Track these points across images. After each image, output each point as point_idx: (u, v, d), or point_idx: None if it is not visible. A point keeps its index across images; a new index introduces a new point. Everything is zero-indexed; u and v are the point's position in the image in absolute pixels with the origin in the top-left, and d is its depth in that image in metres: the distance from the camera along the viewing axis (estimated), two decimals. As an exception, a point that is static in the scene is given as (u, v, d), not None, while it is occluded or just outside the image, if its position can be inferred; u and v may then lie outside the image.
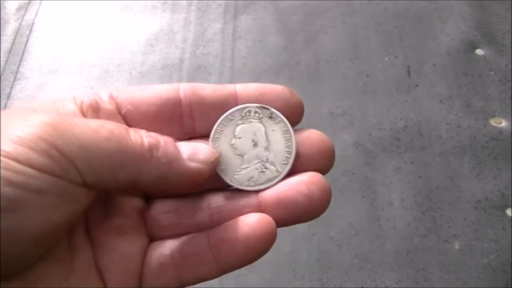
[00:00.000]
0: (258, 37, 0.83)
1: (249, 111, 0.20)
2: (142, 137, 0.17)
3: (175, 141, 0.18)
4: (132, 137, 0.17)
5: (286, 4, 0.87)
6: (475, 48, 0.80)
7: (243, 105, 0.20)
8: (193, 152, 0.18)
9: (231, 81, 0.79)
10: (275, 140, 0.20)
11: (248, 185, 0.19)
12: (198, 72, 0.80)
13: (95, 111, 0.18)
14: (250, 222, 0.18)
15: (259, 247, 0.18)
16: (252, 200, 0.19)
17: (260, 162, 0.20)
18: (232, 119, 0.20)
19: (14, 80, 0.80)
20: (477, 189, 0.66)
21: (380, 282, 0.60)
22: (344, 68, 0.78)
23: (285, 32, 0.83)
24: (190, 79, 0.79)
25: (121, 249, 0.19)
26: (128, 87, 0.20)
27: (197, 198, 0.20)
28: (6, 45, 0.84)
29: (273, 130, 0.20)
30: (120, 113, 0.19)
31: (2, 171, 0.14)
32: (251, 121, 0.20)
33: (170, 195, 0.20)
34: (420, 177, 0.68)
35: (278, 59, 0.80)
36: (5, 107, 0.77)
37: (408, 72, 0.78)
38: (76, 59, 0.82)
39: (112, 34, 0.85)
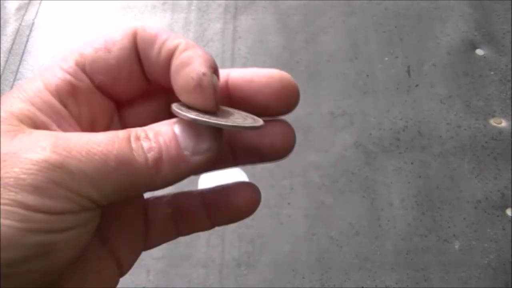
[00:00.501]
0: (258, 37, 0.83)
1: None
2: (144, 152, 0.17)
3: (174, 127, 0.18)
4: (136, 156, 0.17)
5: (286, 4, 0.87)
6: (475, 48, 0.80)
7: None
8: (197, 143, 0.18)
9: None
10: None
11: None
12: (198, 72, 0.80)
13: (74, 96, 0.18)
14: (238, 189, 0.20)
15: (246, 211, 0.20)
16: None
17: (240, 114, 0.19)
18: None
19: (14, 80, 0.80)
20: (477, 189, 0.66)
21: (380, 282, 0.60)
22: (344, 68, 0.78)
23: (285, 32, 0.83)
24: (190, 79, 0.79)
25: (124, 218, 0.20)
26: (90, 44, 0.19)
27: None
28: (6, 45, 0.84)
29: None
30: (94, 85, 0.19)
31: (26, 224, 0.14)
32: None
33: None
34: (420, 177, 0.68)
35: (278, 59, 0.80)
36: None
37: (408, 72, 0.78)
38: (76, 59, 0.82)
39: (112, 34, 0.85)
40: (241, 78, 0.20)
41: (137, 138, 0.17)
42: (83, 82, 0.18)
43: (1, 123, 0.16)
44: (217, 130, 0.18)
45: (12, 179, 0.15)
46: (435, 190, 0.67)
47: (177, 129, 0.17)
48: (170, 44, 0.18)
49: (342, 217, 0.65)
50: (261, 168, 0.70)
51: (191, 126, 0.18)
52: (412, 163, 0.69)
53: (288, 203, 0.66)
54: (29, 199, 0.14)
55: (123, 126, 0.20)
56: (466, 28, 0.82)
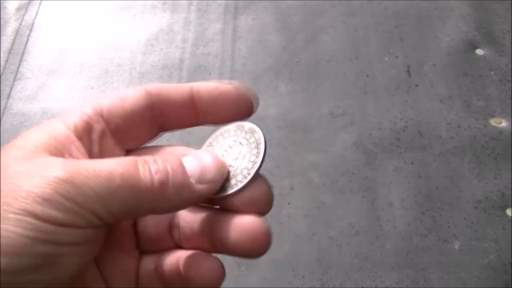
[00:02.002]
0: (258, 37, 0.83)
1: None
2: (151, 174, 0.18)
3: (182, 158, 0.19)
4: (142, 176, 0.18)
5: (286, 4, 0.87)
6: (475, 48, 0.80)
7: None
8: (201, 173, 0.19)
9: (231, 81, 0.79)
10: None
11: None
12: (198, 72, 0.80)
13: (89, 133, 0.20)
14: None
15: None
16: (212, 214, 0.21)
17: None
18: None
19: (14, 80, 0.80)
20: (477, 189, 0.66)
21: (380, 282, 0.60)
22: (344, 68, 0.78)
23: (285, 32, 0.83)
24: (190, 79, 0.79)
25: (121, 263, 0.20)
26: (106, 96, 0.21)
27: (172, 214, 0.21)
28: (6, 45, 0.84)
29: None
30: (109, 129, 0.20)
31: (35, 233, 0.15)
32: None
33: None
34: (420, 177, 0.68)
35: (278, 59, 0.80)
36: (5, 107, 0.77)
37: (408, 72, 0.78)
38: (76, 59, 0.82)
39: (112, 34, 0.85)
40: (207, 89, 0.21)
41: (145, 162, 0.18)
42: (99, 123, 0.20)
43: (20, 150, 0.18)
44: (222, 165, 0.20)
45: (24, 192, 0.16)
46: (435, 190, 0.67)
47: (184, 159, 0.19)
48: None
49: (342, 217, 0.65)
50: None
51: (197, 157, 0.19)
52: (412, 163, 0.69)
53: (288, 203, 0.66)
54: (39, 209, 0.15)
55: None
56: (466, 28, 0.82)
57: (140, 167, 0.18)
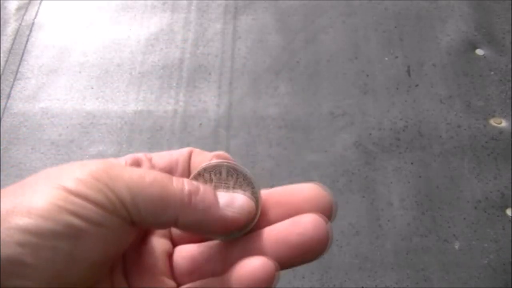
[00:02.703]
0: (258, 37, 0.83)
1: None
2: (183, 184, 0.19)
3: (215, 191, 0.20)
4: (175, 184, 0.19)
5: (286, 4, 0.87)
6: (475, 48, 0.80)
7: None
8: (230, 201, 0.20)
9: (231, 81, 0.79)
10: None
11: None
12: (198, 72, 0.80)
13: (137, 165, 0.22)
14: (254, 265, 0.20)
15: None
16: (257, 242, 0.21)
17: None
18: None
19: (14, 80, 0.80)
20: (477, 189, 0.66)
21: (380, 282, 0.60)
22: (344, 68, 0.78)
23: (285, 32, 0.83)
24: (190, 79, 0.79)
25: (146, 260, 0.21)
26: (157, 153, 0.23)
27: (212, 246, 0.22)
28: (6, 45, 0.84)
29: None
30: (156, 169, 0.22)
31: (63, 203, 0.17)
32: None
33: (196, 241, 0.22)
34: (420, 177, 0.68)
35: (278, 59, 0.80)
36: (5, 107, 0.77)
37: (408, 72, 0.78)
38: (76, 59, 0.82)
39: (112, 34, 0.85)
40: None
41: (180, 178, 0.20)
42: (147, 163, 0.22)
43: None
44: (251, 203, 0.21)
45: (64, 175, 0.18)
46: (435, 190, 0.67)
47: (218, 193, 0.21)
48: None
49: (342, 217, 0.65)
50: (261, 168, 0.70)
51: (228, 193, 0.21)
52: (412, 163, 0.69)
53: (288, 203, 0.66)
54: (71, 184, 0.17)
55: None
56: (466, 28, 0.82)
57: (175, 180, 0.19)
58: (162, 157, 0.22)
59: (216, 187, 0.21)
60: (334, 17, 0.85)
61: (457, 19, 0.83)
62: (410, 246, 0.63)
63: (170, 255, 0.22)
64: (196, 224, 0.19)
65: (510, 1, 0.84)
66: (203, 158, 0.22)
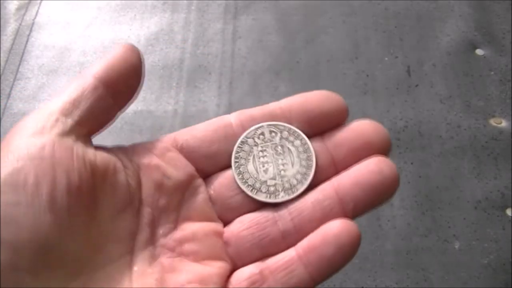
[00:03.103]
0: (258, 37, 0.83)
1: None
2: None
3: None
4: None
5: (286, 4, 0.87)
6: (475, 48, 0.80)
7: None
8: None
9: (231, 81, 0.79)
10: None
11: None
12: (198, 72, 0.80)
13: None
14: (335, 228, 0.18)
15: (348, 250, 0.18)
16: (329, 192, 0.19)
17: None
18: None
19: (14, 80, 0.80)
20: (477, 189, 0.66)
21: (380, 282, 0.60)
22: (344, 68, 0.78)
23: (285, 32, 0.83)
24: (190, 79, 0.79)
25: (197, 272, 0.19)
26: (185, 128, 0.22)
27: (272, 208, 0.20)
28: (6, 45, 0.84)
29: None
30: (176, 147, 0.21)
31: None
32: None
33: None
34: (420, 177, 0.68)
35: (278, 59, 0.80)
36: (5, 107, 0.77)
37: (408, 72, 0.78)
38: (76, 59, 0.82)
39: (112, 34, 0.85)
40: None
41: None
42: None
43: None
44: None
45: None
46: (435, 190, 0.67)
47: None
48: None
49: (342, 217, 0.65)
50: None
51: None
52: (412, 163, 0.69)
53: (288, 203, 0.66)
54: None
55: None
56: (466, 28, 0.82)
57: None
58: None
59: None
60: (334, 17, 0.85)
61: (457, 19, 0.83)
62: (410, 246, 0.63)
63: (219, 235, 0.20)
64: (119, 73, 0.21)
65: (510, 1, 0.84)
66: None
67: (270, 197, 0.20)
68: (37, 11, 0.89)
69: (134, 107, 0.77)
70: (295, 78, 0.78)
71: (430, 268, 0.61)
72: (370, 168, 0.19)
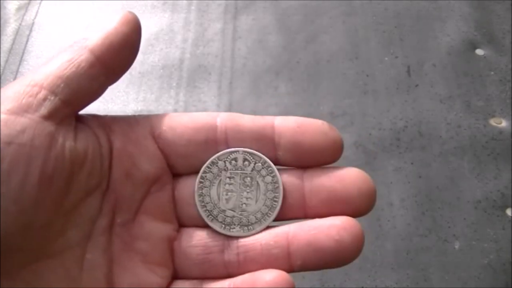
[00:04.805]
0: (258, 37, 0.83)
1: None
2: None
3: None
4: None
5: (286, 4, 0.87)
6: (475, 48, 0.80)
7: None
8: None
9: (231, 81, 0.79)
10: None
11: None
12: (198, 72, 0.80)
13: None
14: (267, 280, 0.18)
15: None
16: (281, 241, 0.19)
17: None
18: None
19: (14, 80, 0.80)
20: (477, 189, 0.66)
21: (380, 282, 0.60)
22: (344, 68, 0.78)
23: (285, 32, 0.83)
24: (190, 79, 0.79)
25: (141, 277, 0.19)
26: (168, 113, 0.20)
27: (226, 235, 0.20)
28: (6, 45, 0.84)
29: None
30: (153, 134, 0.20)
31: None
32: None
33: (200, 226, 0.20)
34: (420, 177, 0.68)
35: (278, 59, 0.80)
36: (5, 107, 0.77)
37: (408, 72, 0.78)
38: (76, 59, 0.82)
39: (112, 34, 0.85)
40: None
41: None
42: None
43: None
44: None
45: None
46: (435, 190, 0.67)
47: None
48: None
49: (342, 217, 0.65)
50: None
51: None
52: (412, 163, 0.69)
53: (288, 203, 0.66)
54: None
55: None
56: (466, 28, 0.82)
57: None
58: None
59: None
60: (334, 17, 0.85)
61: (457, 19, 0.83)
62: (410, 246, 0.63)
63: (170, 241, 0.20)
64: (110, 44, 0.20)
65: (510, 1, 0.84)
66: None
67: (224, 229, 0.19)
68: (37, 11, 0.89)
69: (134, 107, 0.77)
70: (295, 78, 0.78)
71: (430, 268, 0.61)
72: (331, 233, 0.18)
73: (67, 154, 0.17)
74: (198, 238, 0.20)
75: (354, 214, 0.19)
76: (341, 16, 0.85)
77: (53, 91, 0.17)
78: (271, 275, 0.18)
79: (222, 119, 0.20)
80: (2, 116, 0.16)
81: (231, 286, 0.18)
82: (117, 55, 0.18)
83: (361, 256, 0.66)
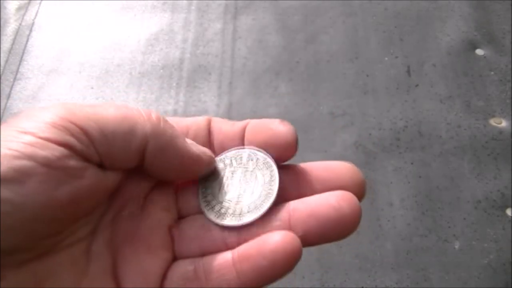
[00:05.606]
0: (258, 37, 0.83)
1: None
2: (151, 112, 0.19)
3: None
4: (142, 112, 0.18)
5: (286, 4, 0.87)
6: (475, 48, 0.80)
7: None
8: (195, 142, 0.20)
9: (231, 81, 0.79)
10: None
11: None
12: (198, 72, 0.80)
13: None
14: (275, 239, 0.18)
15: (283, 264, 0.18)
16: (282, 214, 0.19)
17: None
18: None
19: (14, 80, 0.80)
20: (477, 189, 0.66)
21: (380, 282, 0.60)
22: (344, 68, 0.78)
23: (285, 32, 0.83)
24: (190, 79, 0.79)
25: (143, 263, 0.19)
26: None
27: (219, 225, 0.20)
28: (6, 45, 0.84)
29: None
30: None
31: (14, 144, 0.15)
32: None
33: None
34: (420, 177, 0.68)
35: (278, 59, 0.80)
36: (5, 107, 0.77)
37: (408, 72, 0.78)
38: (76, 59, 0.82)
39: (112, 34, 0.85)
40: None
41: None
42: None
43: None
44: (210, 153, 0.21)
45: (25, 120, 0.17)
46: (435, 190, 0.67)
47: None
48: None
49: (342, 217, 0.65)
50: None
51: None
52: (412, 163, 0.69)
53: (288, 203, 0.66)
54: (23, 123, 0.16)
55: None
56: (466, 28, 0.82)
57: (142, 111, 0.19)
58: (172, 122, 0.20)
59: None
60: (334, 17, 0.85)
61: (457, 19, 0.83)
62: (410, 246, 0.63)
63: (170, 228, 0.20)
64: (162, 152, 0.18)
65: (510, 1, 0.84)
66: (229, 127, 0.21)
67: (218, 218, 0.20)
68: (37, 11, 0.89)
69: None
70: (295, 78, 0.78)
71: (430, 268, 0.61)
72: (330, 202, 0.18)
73: (97, 183, 0.18)
74: (197, 221, 0.20)
75: None
76: (341, 16, 0.85)
77: (95, 146, 0.17)
78: (275, 237, 0.18)
79: (214, 128, 0.22)
80: (42, 141, 0.16)
81: (235, 255, 0.18)
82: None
83: (361, 256, 0.67)
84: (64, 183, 0.16)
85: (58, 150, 0.16)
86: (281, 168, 0.20)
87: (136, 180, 0.20)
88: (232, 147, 0.21)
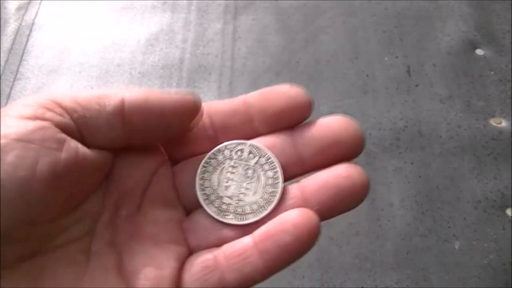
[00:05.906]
0: (258, 37, 0.83)
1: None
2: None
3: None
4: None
5: (286, 4, 0.87)
6: (475, 48, 0.80)
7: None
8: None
9: (231, 81, 0.79)
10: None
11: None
12: (198, 72, 0.80)
13: None
14: (295, 215, 0.18)
15: (307, 238, 0.18)
16: (294, 192, 0.19)
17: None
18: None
19: (14, 80, 0.80)
20: (477, 189, 0.66)
21: (380, 282, 0.60)
22: (344, 68, 0.78)
23: (285, 32, 0.83)
24: (190, 79, 0.79)
25: (155, 256, 0.18)
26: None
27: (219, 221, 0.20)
28: (6, 45, 0.84)
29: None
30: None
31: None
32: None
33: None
34: (420, 177, 0.68)
35: (278, 59, 0.80)
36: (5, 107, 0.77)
37: (408, 72, 0.78)
38: (76, 59, 0.82)
39: (112, 34, 0.85)
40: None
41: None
42: None
43: None
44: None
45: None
46: (435, 190, 0.67)
47: None
48: None
49: (342, 217, 0.65)
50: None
51: None
52: (412, 163, 0.69)
53: (288, 203, 0.66)
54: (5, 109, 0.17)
55: None
56: (466, 28, 0.82)
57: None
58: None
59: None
60: (334, 17, 0.85)
61: (457, 19, 0.83)
62: (410, 246, 0.63)
63: (179, 222, 0.20)
64: (144, 103, 0.17)
65: (510, 1, 0.84)
66: (226, 104, 0.21)
67: (218, 214, 0.19)
68: (37, 11, 0.89)
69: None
70: (295, 78, 0.78)
71: (430, 268, 0.61)
72: (339, 172, 0.18)
73: (79, 159, 0.17)
74: (203, 214, 0.20)
75: (347, 155, 0.19)
76: (341, 16, 0.85)
77: (70, 113, 0.17)
78: (295, 213, 0.18)
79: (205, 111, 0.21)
80: (15, 119, 0.16)
81: (255, 237, 0.18)
82: (147, 122, 0.18)
83: (361, 256, 0.67)
84: (43, 156, 0.16)
85: (31, 124, 0.16)
86: (284, 166, 0.20)
87: (128, 171, 0.20)
88: (236, 124, 0.20)
